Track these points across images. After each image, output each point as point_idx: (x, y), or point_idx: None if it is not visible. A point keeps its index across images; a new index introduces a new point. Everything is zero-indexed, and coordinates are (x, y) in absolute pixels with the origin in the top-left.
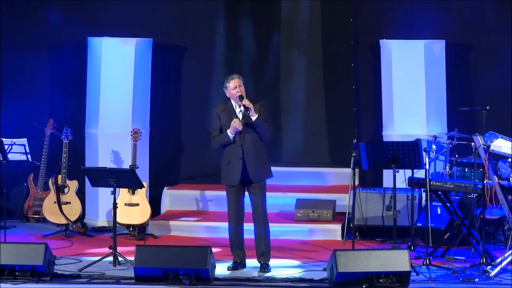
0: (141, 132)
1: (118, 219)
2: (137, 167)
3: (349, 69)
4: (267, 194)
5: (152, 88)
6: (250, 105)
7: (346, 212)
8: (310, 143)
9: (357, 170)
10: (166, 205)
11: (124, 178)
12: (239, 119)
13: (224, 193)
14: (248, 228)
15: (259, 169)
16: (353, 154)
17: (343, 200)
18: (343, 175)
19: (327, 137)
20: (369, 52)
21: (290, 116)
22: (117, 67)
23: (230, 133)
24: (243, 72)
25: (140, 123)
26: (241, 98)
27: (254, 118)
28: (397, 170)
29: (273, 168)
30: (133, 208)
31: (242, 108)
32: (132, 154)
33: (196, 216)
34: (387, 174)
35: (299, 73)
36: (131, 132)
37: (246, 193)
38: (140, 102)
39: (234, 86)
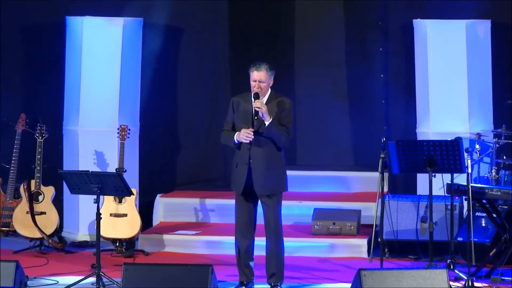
0: (129, 129)
1: (103, 233)
2: (125, 171)
3: (376, 54)
4: None
5: (142, 77)
6: (263, 109)
7: (373, 224)
8: (330, 142)
9: (386, 175)
10: (159, 216)
11: (110, 184)
12: (254, 118)
13: (228, 201)
14: (259, 243)
15: (266, 180)
16: (382, 156)
17: (370, 210)
18: (369, 180)
19: (351, 135)
20: (400, 34)
21: (306, 111)
22: (101, 52)
23: (236, 139)
24: (251, 59)
25: (128, 119)
26: (256, 96)
27: (267, 123)
28: (433, 174)
29: (289, 173)
30: (120, 219)
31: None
32: (119, 155)
33: (195, 228)
34: (421, 179)
35: (317, 60)
36: (118, 129)
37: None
38: (129, 93)
39: (254, 79)
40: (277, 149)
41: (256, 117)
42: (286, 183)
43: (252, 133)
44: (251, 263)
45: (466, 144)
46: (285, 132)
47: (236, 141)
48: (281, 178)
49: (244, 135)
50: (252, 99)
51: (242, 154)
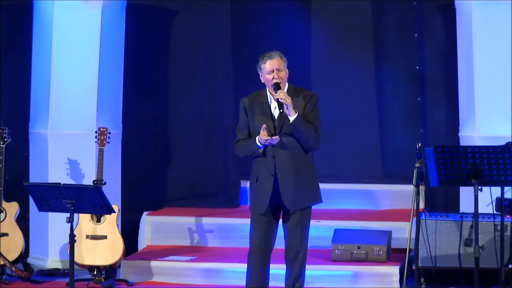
0: (109, 133)
1: (77, 259)
2: (104, 183)
3: (410, 40)
4: None
5: (126, 69)
6: (287, 100)
7: (406, 249)
8: (355, 149)
9: (422, 188)
10: (146, 238)
11: (86, 199)
12: (275, 118)
13: (230, 220)
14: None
15: (298, 192)
16: (417, 165)
17: (402, 231)
18: (401, 194)
19: (379, 140)
20: (439, 16)
21: (325, 110)
22: (75, 41)
23: (259, 142)
24: (258, 48)
25: (108, 120)
26: (276, 87)
27: (292, 118)
28: (480, 187)
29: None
30: (98, 242)
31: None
32: (98, 164)
33: (190, 253)
34: (465, 193)
35: (338, 49)
36: (96, 132)
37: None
38: (109, 89)
39: (270, 69)
40: (305, 151)
41: (281, 110)
42: (320, 193)
43: (269, 134)
44: None
45: None
46: (313, 129)
47: (260, 145)
48: (314, 187)
49: (267, 137)
50: (268, 93)
51: (266, 164)
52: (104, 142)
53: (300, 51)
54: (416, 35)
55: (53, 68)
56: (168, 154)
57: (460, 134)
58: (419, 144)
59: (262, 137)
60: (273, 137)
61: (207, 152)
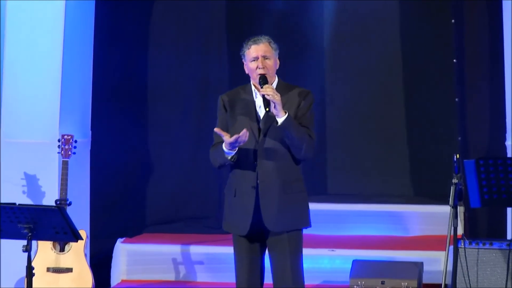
0: (76, 141)
1: None
2: (70, 203)
3: (446, 29)
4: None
5: (95, 67)
6: (275, 98)
7: (441, 284)
8: (378, 162)
9: (461, 209)
10: (121, 271)
11: (46, 223)
12: (260, 118)
13: (224, 249)
14: None
15: (283, 210)
16: (455, 181)
17: (437, 263)
18: (435, 217)
19: (408, 151)
20: (482, 3)
21: (340, 114)
22: (33, 34)
23: (225, 148)
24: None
25: (74, 126)
26: (263, 81)
27: (280, 120)
28: None
29: (314, 206)
30: (62, 276)
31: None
32: (61, 180)
33: None
34: None
35: (358, 38)
36: (59, 140)
37: None
38: (75, 90)
39: (255, 55)
40: (295, 161)
41: (267, 109)
42: (309, 215)
43: (245, 133)
44: None
45: None
46: (306, 134)
47: (228, 150)
48: (305, 206)
49: (241, 136)
50: (253, 88)
51: (246, 174)
52: (69, 152)
53: (314, 33)
54: (453, 21)
55: (5, 65)
56: (148, 168)
57: (507, 143)
58: (457, 155)
59: (227, 140)
60: (241, 133)
61: (196, 166)
